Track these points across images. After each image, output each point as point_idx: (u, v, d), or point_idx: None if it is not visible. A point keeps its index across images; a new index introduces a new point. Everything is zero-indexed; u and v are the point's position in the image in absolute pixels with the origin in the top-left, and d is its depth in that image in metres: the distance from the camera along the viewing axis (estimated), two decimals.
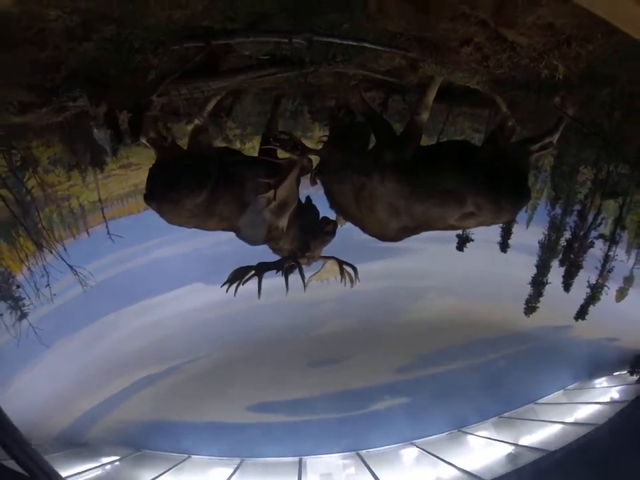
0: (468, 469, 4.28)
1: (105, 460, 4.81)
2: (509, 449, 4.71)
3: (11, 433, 2.36)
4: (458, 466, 4.41)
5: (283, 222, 2.63)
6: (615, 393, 5.26)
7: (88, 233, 4.71)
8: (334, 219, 2.80)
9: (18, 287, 3.96)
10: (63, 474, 3.93)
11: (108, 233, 4.46)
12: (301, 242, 2.71)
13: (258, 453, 5.16)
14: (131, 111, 2.18)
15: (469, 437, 5.29)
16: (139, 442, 5.10)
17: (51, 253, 3.76)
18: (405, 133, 2.46)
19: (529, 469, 3.70)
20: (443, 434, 5.41)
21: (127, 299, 5.36)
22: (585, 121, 2.73)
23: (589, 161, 4.31)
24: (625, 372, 5.33)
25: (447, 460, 4.64)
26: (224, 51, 2.13)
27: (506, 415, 5.48)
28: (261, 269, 2.58)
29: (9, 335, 4.37)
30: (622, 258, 4.86)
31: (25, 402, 4.44)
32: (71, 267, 3.75)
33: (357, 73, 2.61)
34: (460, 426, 5.41)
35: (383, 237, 2.51)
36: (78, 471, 4.33)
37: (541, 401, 5.68)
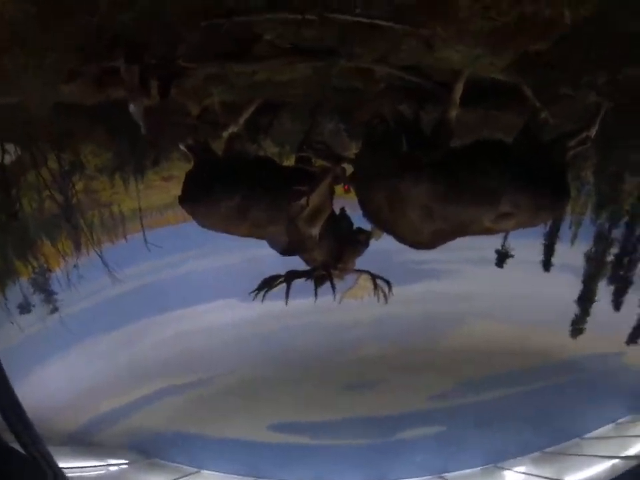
0: None
1: (113, 461, 4.79)
2: None
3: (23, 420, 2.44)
4: None
5: (315, 231, 2.65)
6: None
7: (126, 238, 4.90)
8: (367, 230, 2.78)
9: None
10: (66, 464, 3.95)
11: (145, 240, 4.65)
12: (334, 252, 2.71)
13: (273, 474, 4.99)
14: (161, 78, 2.38)
15: (506, 472, 4.87)
16: (152, 450, 5.07)
17: (87, 253, 3.96)
18: (435, 133, 2.44)
19: None
20: (476, 468, 5.03)
21: (159, 308, 5.44)
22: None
23: (636, 170, 4.08)
24: None
25: None
26: (248, 36, 2.24)
27: (548, 450, 5.03)
28: (290, 276, 2.61)
29: (36, 327, 4.61)
30: None
31: (43, 395, 4.54)
32: (107, 266, 3.92)
33: (381, 73, 2.63)
34: (496, 460, 5.02)
35: (416, 243, 2.44)
36: (80, 466, 4.31)
37: (588, 435, 5.18)
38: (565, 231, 4.38)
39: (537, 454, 5.15)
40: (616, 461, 4.38)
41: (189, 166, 4.03)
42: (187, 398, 5.72)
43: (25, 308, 4.64)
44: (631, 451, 4.62)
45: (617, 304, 4.28)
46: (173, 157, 4.55)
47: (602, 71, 2.40)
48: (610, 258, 4.26)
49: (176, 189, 4.88)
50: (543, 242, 4.35)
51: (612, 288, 4.33)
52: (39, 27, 1.96)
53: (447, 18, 2.00)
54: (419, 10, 1.98)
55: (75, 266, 4.23)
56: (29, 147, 3.95)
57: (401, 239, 2.50)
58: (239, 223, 2.73)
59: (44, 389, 4.61)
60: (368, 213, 2.62)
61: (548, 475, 4.63)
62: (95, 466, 4.64)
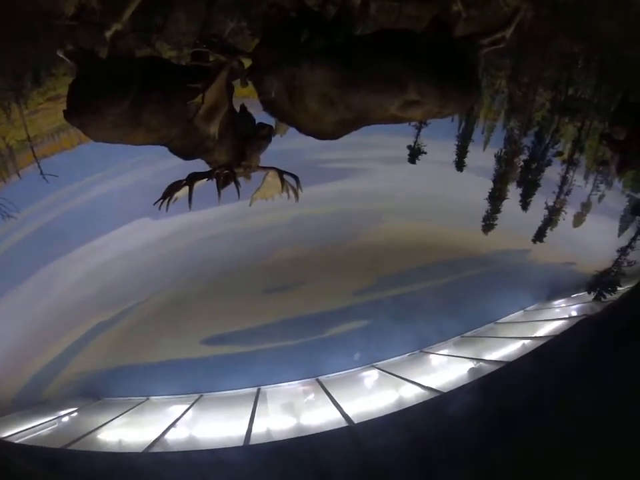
0: (430, 386, 4.41)
1: (62, 412, 4.73)
2: (471, 364, 4.86)
3: None
4: (420, 383, 4.53)
5: (214, 128, 2.46)
6: (573, 312, 5.47)
7: (19, 174, 4.33)
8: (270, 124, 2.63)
9: None
10: (17, 429, 3.86)
11: (41, 173, 4.12)
12: (236, 150, 2.56)
13: (216, 386, 5.18)
14: None
15: (431, 356, 5.45)
16: (98, 391, 5.05)
17: None
18: (336, 17, 2.26)
19: (489, 378, 3.81)
20: (404, 355, 5.56)
21: (69, 244, 5.02)
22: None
23: (548, 83, 4.22)
24: (583, 293, 5.51)
25: (409, 379, 4.77)
26: None
27: (467, 334, 5.66)
28: (192, 178, 2.47)
29: None
30: (580, 184, 4.92)
31: None
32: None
33: None
34: (421, 346, 5.56)
35: (320, 134, 2.35)
36: (31, 426, 4.21)
37: (501, 320, 5.87)
38: (478, 136, 4.51)
39: (457, 338, 5.78)
40: (526, 341, 5.05)
41: None
42: (116, 332, 5.60)
43: None
44: (538, 333, 5.34)
45: (525, 204, 4.61)
46: (57, 72, 3.97)
47: None
48: (520, 163, 4.49)
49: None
50: (456, 143, 4.47)
51: (520, 190, 4.62)
52: None
53: None
54: None
55: None
56: None
57: (304, 129, 2.40)
58: (131, 129, 2.48)
59: None
60: (268, 106, 2.46)
61: (469, 355, 5.25)
62: (47, 421, 4.52)
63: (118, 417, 4.54)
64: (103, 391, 5.09)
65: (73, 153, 4.33)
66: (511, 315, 5.88)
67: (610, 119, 3.26)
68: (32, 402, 4.90)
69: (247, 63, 2.53)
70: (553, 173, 4.79)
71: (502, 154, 4.46)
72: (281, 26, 2.48)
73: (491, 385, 3.53)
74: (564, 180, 4.77)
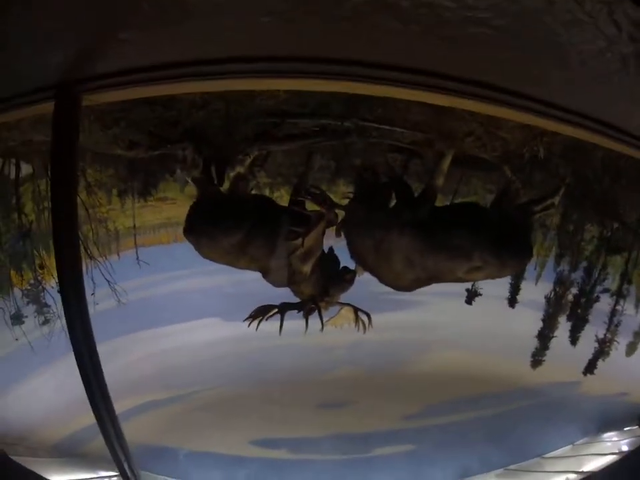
0: None
1: (103, 473, 4.80)
2: None
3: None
4: None
5: (307, 268, 2.90)
6: (624, 446, 5.17)
7: (118, 255, 5.00)
8: (353, 269, 3.06)
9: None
10: (57, 479, 3.99)
11: (137, 258, 4.77)
12: (322, 287, 2.97)
13: None
14: (218, 163, 2.90)
15: None
16: (136, 462, 5.10)
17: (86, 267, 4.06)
18: (422, 196, 2.78)
19: None
20: None
21: (142, 324, 5.47)
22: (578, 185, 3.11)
23: (594, 219, 4.56)
24: (636, 427, 5.26)
25: None
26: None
27: (511, 467, 5.38)
28: (283, 308, 2.85)
29: (25, 340, 4.61)
30: (631, 312, 4.96)
31: (25, 407, 4.53)
32: (109, 282, 4.05)
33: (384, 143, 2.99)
34: (463, 476, 5.32)
35: (397, 287, 2.77)
36: (73, 479, 4.31)
37: (547, 455, 5.57)
38: (530, 269, 4.81)
39: (500, 470, 5.49)
40: (570, 475, 4.77)
41: (182, 189, 4.28)
42: (167, 412, 5.77)
43: (17, 319, 4.63)
44: (585, 468, 5.03)
45: (574, 339, 4.71)
46: (168, 179, 4.73)
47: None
48: (569, 298, 4.69)
49: (168, 210, 5.12)
50: (510, 281, 4.76)
51: (569, 324, 4.75)
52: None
53: (452, 144, 2.41)
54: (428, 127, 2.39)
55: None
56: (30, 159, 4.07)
57: (383, 281, 2.82)
58: (239, 257, 2.96)
59: (29, 401, 4.60)
60: (355, 256, 2.93)
61: None
62: (89, 478, 4.62)
63: None
64: (142, 464, 5.12)
65: (167, 248, 5.01)
66: (559, 450, 5.59)
67: None
68: (69, 453, 5.01)
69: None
70: (602, 305, 4.89)
71: (552, 295, 4.70)
72: (372, 187, 3.04)
73: None
74: (614, 311, 4.85)
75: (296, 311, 2.90)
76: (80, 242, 4.23)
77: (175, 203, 4.78)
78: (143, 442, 5.44)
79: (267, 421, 5.68)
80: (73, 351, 2.31)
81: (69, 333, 2.37)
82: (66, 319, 2.27)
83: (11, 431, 4.05)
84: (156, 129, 2.67)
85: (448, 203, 3.22)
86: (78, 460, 4.95)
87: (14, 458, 3.20)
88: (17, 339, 4.14)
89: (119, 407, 5.59)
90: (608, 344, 4.90)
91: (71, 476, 4.55)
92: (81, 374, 2.34)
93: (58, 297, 4.41)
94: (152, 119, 2.57)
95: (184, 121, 2.61)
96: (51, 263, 4.39)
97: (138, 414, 5.59)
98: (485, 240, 2.57)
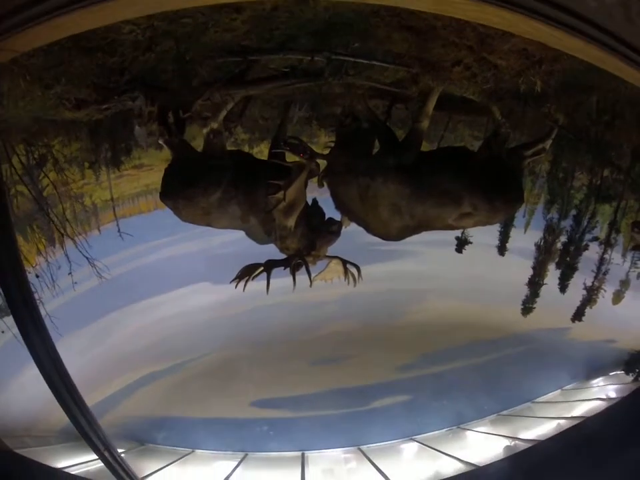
0: (467, 460, 4.37)
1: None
2: (506, 442, 4.81)
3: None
4: (457, 457, 4.50)
5: (291, 222, 2.79)
6: (611, 392, 5.37)
7: (99, 230, 4.86)
8: (339, 220, 2.96)
9: (37, 276, 4.11)
10: (65, 463, 4.04)
11: (118, 230, 4.63)
12: (308, 241, 2.87)
13: (261, 447, 5.25)
14: (175, 111, 2.60)
15: (468, 433, 5.40)
16: (143, 436, 5.14)
17: (62, 247, 3.93)
18: (407, 140, 2.65)
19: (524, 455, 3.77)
20: (442, 430, 5.51)
21: (132, 297, 5.39)
22: (572, 128, 2.97)
23: (584, 167, 4.49)
24: (621, 372, 5.44)
25: (446, 452, 4.73)
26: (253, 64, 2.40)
27: (504, 412, 5.59)
28: (269, 266, 2.75)
29: (9, 333, 4.51)
30: (618, 261, 5.01)
31: (28, 395, 4.51)
32: (88, 259, 3.93)
33: (364, 84, 2.79)
34: (459, 423, 5.52)
35: (386, 236, 2.67)
36: (81, 461, 4.37)
37: (538, 399, 5.77)
38: (519, 218, 4.78)
39: (493, 416, 5.71)
40: (561, 421, 4.96)
41: (158, 154, 4.03)
42: (167, 383, 5.82)
43: (3, 310, 4.50)
44: (574, 413, 5.23)
45: (563, 287, 4.75)
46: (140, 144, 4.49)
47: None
48: (558, 246, 4.69)
49: (146, 177, 4.91)
50: (499, 228, 4.73)
51: (559, 272, 4.77)
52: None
53: (438, 76, 2.20)
54: (412, 59, 2.15)
55: (59, 267, 4.13)
56: None
57: (371, 231, 2.73)
58: (219, 216, 2.84)
59: (28, 388, 4.57)
60: (340, 206, 2.81)
61: (505, 434, 5.17)
62: (95, 459, 4.67)
63: (167, 466, 4.67)
64: (148, 437, 5.21)
65: (148, 217, 4.85)
66: (548, 394, 5.80)
67: None
68: (76, 436, 5.08)
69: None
70: (591, 253, 4.92)
71: (541, 242, 4.68)
72: (353, 134, 2.89)
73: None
74: (602, 260, 4.89)
75: (282, 267, 2.82)
76: (53, 224, 4.12)
77: (152, 169, 4.56)
78: (147, 415, 5.52)
79: (266, 382, 5.78)
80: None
81: (23, 340, 2.28)
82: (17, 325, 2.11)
83: (17, 424, 3.98)
84: (100, 80, 2.36)
85: (434, 148, 3.06)
86: (83, 442, 5.00)
87: (23, 451, 3.15)
88: (2, 332, 4.02)
89: (120, 382, 5.68)
90: (596, 292, 4.96)
91: (80, 459, 4.59)
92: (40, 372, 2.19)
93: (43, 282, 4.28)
94: (94, 68, 2.23)
95: (130, 68, 2.29)
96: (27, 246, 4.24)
97: (139, 387, 5.64)
98: (475, 184, 2.47)
